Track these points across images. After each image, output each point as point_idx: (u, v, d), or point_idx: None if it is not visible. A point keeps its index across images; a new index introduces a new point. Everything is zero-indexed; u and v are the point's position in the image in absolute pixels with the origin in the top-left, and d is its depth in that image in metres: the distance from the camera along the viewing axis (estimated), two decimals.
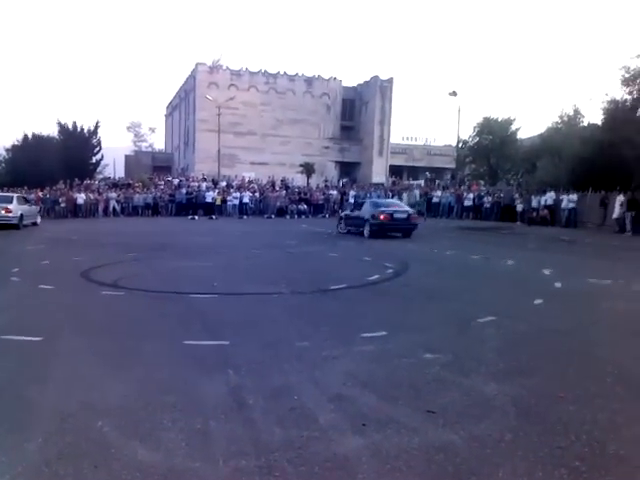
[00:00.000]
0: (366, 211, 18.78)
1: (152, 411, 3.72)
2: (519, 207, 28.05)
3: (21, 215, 21.88)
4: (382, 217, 17.91)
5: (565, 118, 36.76)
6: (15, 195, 23.37)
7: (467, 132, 49.52)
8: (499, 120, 41.62)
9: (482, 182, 40.01)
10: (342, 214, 21.87)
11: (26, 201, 24.31)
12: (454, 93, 37.42)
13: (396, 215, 18.22)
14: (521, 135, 42.39)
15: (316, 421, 3.56)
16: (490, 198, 30.90)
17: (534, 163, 33.96)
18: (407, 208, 20.28)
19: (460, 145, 41.53)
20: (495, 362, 4.83)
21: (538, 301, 7.59)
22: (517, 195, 29.45)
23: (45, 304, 7.57)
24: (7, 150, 42.80)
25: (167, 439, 3.30)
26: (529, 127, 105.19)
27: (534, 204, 27.03)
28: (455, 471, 2.94)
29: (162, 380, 4.36)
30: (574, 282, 9.40)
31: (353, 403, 3.88)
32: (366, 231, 18.18)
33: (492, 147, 40.88)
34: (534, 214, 26.73)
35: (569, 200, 25.13)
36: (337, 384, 4.26)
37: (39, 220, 24.91)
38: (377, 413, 3.69)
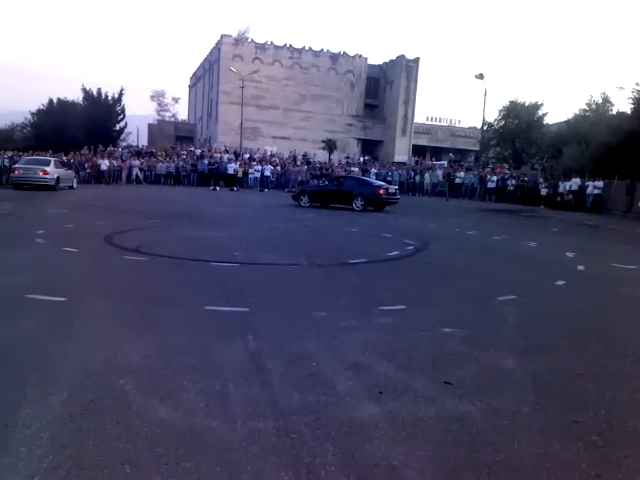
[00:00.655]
0: (354, 187, 20.78)
1: (172, 372, 3.78)
2: (543, 191, 27.75)
3: (58, 178, 23.38)
4: (381, 192, 20.57)
5: (593, 106, 36.10)
6: (53, 159, 24.94)
7: (493, 115, 48.78)
8: (526, 104, 40.98)
9: (506, 165, 39.56)
10: (307, 189, 23.01)
11: (63, 165, 25.74)
12: (481, 76, 36.86)
13: (389, 191, 21.26)
14: (548, 120, 41.71)
15: (333, 387, 3.59)
16: (514, 181, 30.57)
17: (560, 149, 33.44)
18: (391, 186, 23.77)
19: (485, 128, 41.02)
20: (514, 338, 4.82)
21: (560, 282, 7.52)
22: (542, 179, 29.10)
23: (69, 266, 7.69)
24: (32, 114, 43.10)
25: (187, 399, 3.35)
26: (556, 113, 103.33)
27: (560, 189, 26.71)
28: (471, 441, 2.95)
29: (183, 343, 4.42)
30: (597, 266, 9.29)
31: (370, 372, 3.90)
32: (359, 204, 20.00)
33: (518, 131, 40.31)
34: (558, 199, 26.40)
35: (594, 186, 24.79)
36: (355, 353, 4.29)
37: (75, 184, 25.95)
38: (394, 382, 3.72)
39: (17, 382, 3.48)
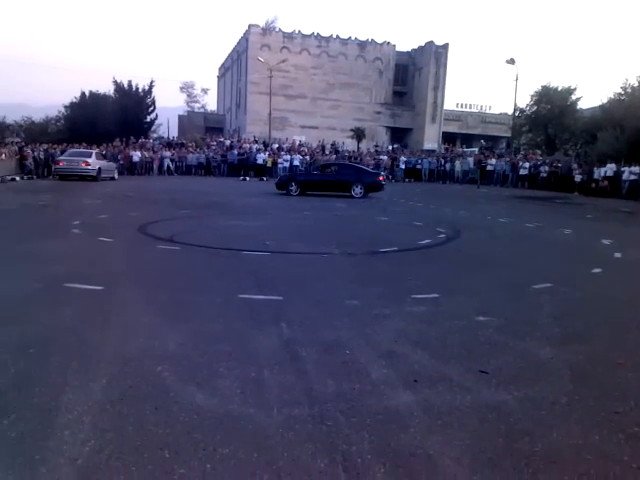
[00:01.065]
0: (352, 175, 21.01)
1: (208, 359, 3.83)
2: (577, 177, 27.19)
3: (99, 169, 24.80)
4: (381, 178, 21.71)
5: (629, 89, 34.97)
6: (94, 151, 26.55)
7: (524, 100, 47.79)
8: (559, 89, 39.98)
9: (539, 152, 38.80)
10: (298, 177, 22.48)
11: (104, 157, 27.42)
12: (512, 61, 36.19)
13: (382, 176, 22.48)
14: (581, 105, 40.65)
15: (368, 375, 3.60)
16: (547, 168, 29.98)
17: (594, 134, 32.60)
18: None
19: (517, 113, 40.26)
20: (550, 327, 4.75)
21: (596, 270, 7.38)
22: (575, 165, 28.50)
23: (105, 256, 7.84)
24: (65, 107, 43.82)
25: (223, 386, 3.40)
26: (590, 97, 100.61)
27: (595, 175, 26.12)
28: (508, 430, 2.93)
29: (218, 331, 4.48)
30: (635, 253, 9.09)
31: (404, 360, 3.89)
32: (359, 192, 20.39)
33: (550, 116, 39.40)
34: (593, 185, 25.84)
35: (631, 172, 24.18)
36: (388, 341, 4.28)
37: (117, 175, 27.29)
38: (428, 371, 3.70)
39: (58, 368, 3.57)
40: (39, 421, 2.88)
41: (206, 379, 3.49)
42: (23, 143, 29.21)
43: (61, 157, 25.47)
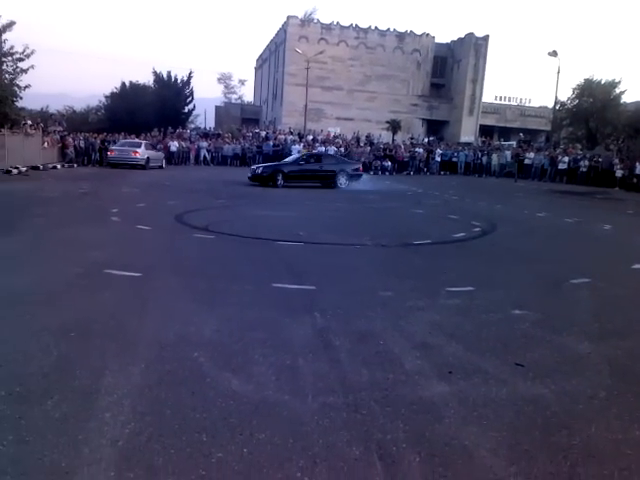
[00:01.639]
0: (335, 165, 21.04)
1: (244, 346, 3.88)
2: (618, 173, 26.46)
3: (147, 158, 26.39)
4: (361, 169, 22.05)
5: None
6: (144, 142, 28.28)
7: (566, 94, 46.69)
8: (602, 82, 38.84)
9: (579, 146, 37.86)
10: (284, 169, 20.30)
11: (153, 147, 28.73)
12: (554, 53, 35.30)
13: (360, 167, 22.61)
14: (625, 99, 39.41)
15: (402, 366, 3.60)
16: (587, 162, 29.24)
17: (638, 128, 31.62)
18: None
19: (557, 107, 39.31)
20: (589, 322, 4.67)
21: (636, 266, 7.20)
22: (617, 160, 27.71)
23: (143, 243, 8.00)
24: (106, 97, 44.60)
25: (258, 372, 3.44)
26: (634, 91, 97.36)
27: (637, 170, 25.38)
28: (545, 423, 2.89)
29: (253, 318, 4.53)
30: None
31: (439, 352, 3.88)
32: (343, 182, 20.38)
33: (592, 110, 38.29)
34: (635, 180, 25.14)
35: None
36: (422, 333, 4.26)
37: (164, 164, 28.71)
38: (463, 362, 3.68)
39: (98, 352, 3.67)
40: (81, 403, 2.96)
41: (241, 365, 3.54)
42: (65, 132, 29.89)
43: (113, 147, 26.99)
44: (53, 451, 2.50)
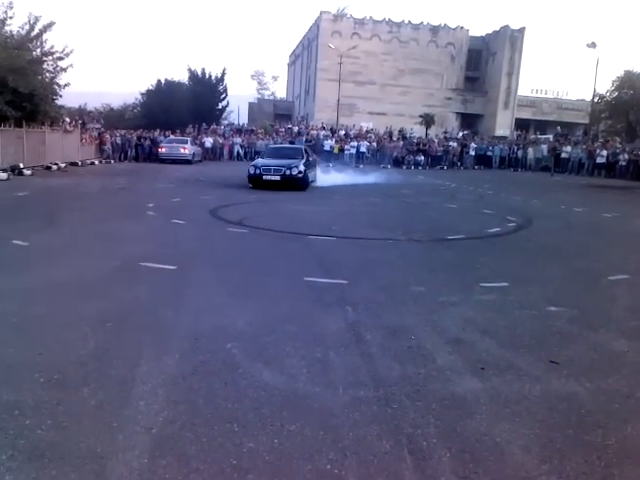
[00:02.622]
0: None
1: (276, 338, 3.92)
2: None
3: (193, 154, 28.39)
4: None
5: None
6: (189, 138, 30.19)
7: (605, 86, 45.43)
8: None
9: (618, 139, 36.86)
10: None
11: (195, 144, 30.18)
12: (593, 44, 34.45)
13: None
14: None
15: (434, 361, 3.57)
16: (626, 156, 28.46)
17: None
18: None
19: (596, 99, 38.34)
20: (626, 319, 4.56)
21: None
22: None
23: (178, 237, 8.13)
24: (142, 94, 45.31)
25: (290, 365, 3.47)
26: None
27: None
28: (579, 422, 2.84)
29: (285, 311, 4.56)
30: None
31: (471, 348, 3.84)
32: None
33: (632, 103, 37.13)
34: None
35: None
36: (455, 329, 4.23)
37: (202, 159, 30.40)
38: (496, 359, 3.63)
39: (134, 342, 3.75)
40: (116, 391, 3.03)
41: (273, 357, 3.57)
42: (102, 129, 30.52)
43: (163, 144, 28.71)
44: (89, 437, 2.57)
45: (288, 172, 15.72)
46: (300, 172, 15.91)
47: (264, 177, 15.67)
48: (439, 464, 2.45)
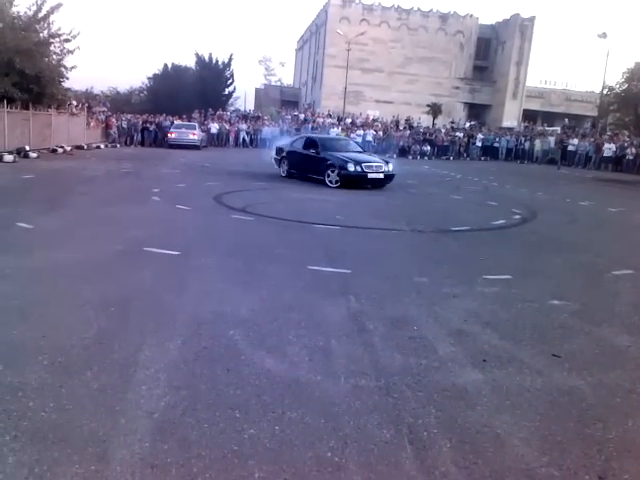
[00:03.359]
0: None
1: (278, 326, 3.93)
2: None
3: (201, 139, 28.61)
4: None
5: None
6: (196, 124, 29.97)
7: (614, 78, 45.12)
8: None
9: (626, 133, 36.60)
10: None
11: (201, 129, 30.20)
12: (604, 35, 34.07)
13: None
14: None
15: (435, 352, 3.58)
16: (634, 150, 28.26)
17: None
18: None
19: (605, 92, 38.02)
20: (629, 315, 4.55)
21: None
22: None
23: (182, 223, 8.14)
24: (149, 78, 45.21)
25: (292, 352, 3.48)
26: None
27: None
28: (580, 415, 2.85)
29: (288, 299, 4.58)
30: None
31: (474, 339, 3.84)
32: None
33: None
34: None
35: None
36: (457, 320, 4.23)
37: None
38: (498, 351, 3.64)
39: (137, 327, 3.77)
40: (119, 375, 3.05)
41: (276, 345, 3.59)
42: (109, 113, 30.46)
43: (172, 129, 28.67)
44: (91, 420, 2.59)
45: (387, 168, 14.32)
46: (392, 168, 14.63)
47: (369, 175, 13.82)
48: (439, 454, 2.46)
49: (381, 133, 34.80)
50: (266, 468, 2.31)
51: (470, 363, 3.42)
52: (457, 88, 52.92)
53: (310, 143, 15.52)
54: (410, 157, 31.45)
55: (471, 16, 52.82)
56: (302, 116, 39.01)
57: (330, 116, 39.03)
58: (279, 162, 16.55)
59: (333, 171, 13.94)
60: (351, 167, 13.75)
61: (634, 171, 27.07)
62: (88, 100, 32.05)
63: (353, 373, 3.22)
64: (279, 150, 16.82)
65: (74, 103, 25.58)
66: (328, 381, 3.12)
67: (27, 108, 19.17)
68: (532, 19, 51.12)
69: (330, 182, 13.92)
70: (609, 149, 29.23)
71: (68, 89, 24.27)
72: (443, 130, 37.22)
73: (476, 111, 53.31)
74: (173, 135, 28.14)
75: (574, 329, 4.15)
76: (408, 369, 3.31)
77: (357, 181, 13.81)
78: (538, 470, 2.38)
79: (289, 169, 15.91)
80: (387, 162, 14.96)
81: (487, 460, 2.43)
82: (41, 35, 20.94)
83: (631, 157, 28.08)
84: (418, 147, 32.72)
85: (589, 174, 25.28)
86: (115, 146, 27.01)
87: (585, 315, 4.49)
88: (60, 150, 20.51)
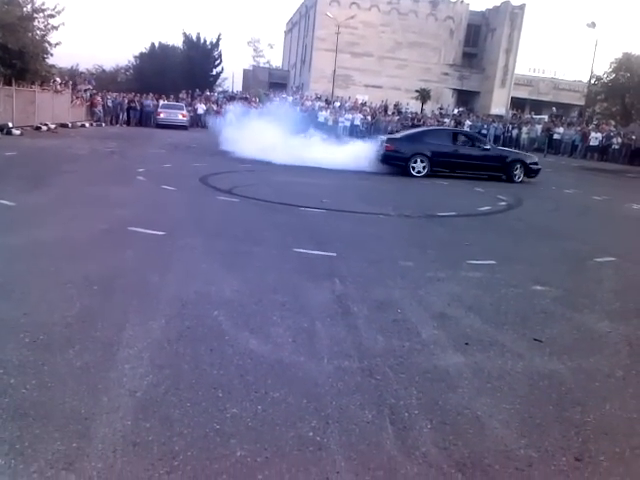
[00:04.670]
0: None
1: (263, 307, 3.93)
2: None
3: (189, 120, 29.08)
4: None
5: None
6: (183, 104, 30.34)
7: (602, 68, 45.31)
8: None
9: (613, 122, 36.83)
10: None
11: (188, 110, 30.55)
12: (593, 24, 34.16)
13: None
14: None
15: (418, 335, 3.61)
16: (620, 139, 28.45)
17: None
18: None
19: (593, 81, 38.18)
20: (611, 301, 4.61)
21: None
22: None
23: (167, 203, 8.08)
24: (135, 57, 44.63)
25: (276, 333, 3.49)
26: None
27: None
28: (559, 399, 2.89)
29: (273, 281, 4.57)
30: None
31: (456, 323, 3.87)
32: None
33: (629, 86, 37.04)
34: None
35: None
36: (441, 304, 4.26)
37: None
38: (481, 335, 3.67)
39: (120, 306, 3.75)
40: (101, 354, 3.04)
41: (260, 326, 3.59)
42: (94, 91, 30.01)
43: (160, 109, 28.73)
44: (73, 398, 2.58)
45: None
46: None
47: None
48: (420, 435, 2.49)
49: (369, 118, 34.68)
50: (247, 447, 2.32)
51: (452, 346, 3.45)
52: (446, 74, 52.82)
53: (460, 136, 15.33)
54: None
55: (462, 2, 52.59)
56: (290, 99, 38.76)
57: (319, 99, 38.80)
58: (402, 159, 14.11)
59: (516, 168, 14.67)
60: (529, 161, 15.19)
61: (619, 161, 27.28)
62: (73, 77, 31.55)
63: (336, 354, 3.23)
64: (399, 143, 14.69)
65: (58, 80, 25.15)
66: (311, 362, 3.13)
67: (10, 84, 18.83)
68: (522, 7, 51.02)
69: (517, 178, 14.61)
70: (595, 138, 29.40)
71: (52, 66, 23.89)
72: (431, 116, 37.20)
73: (465, 98, 53.30)
74: (162, 115, 28.29)
75: (556, 314, 4.20)
76: (391, 351, 3.33)
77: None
78: (517, 452, 2.41)
79: (432, 167, 14.05)
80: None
81: (467, 441, 2.46)
82: (25, 10, 20.55)
83: (617, 147, 28.27)
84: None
85: (575, 163, 25.44)
86: (100, 125, 26.65)
87: (567, 301, 4.54)
88: (44, 128, 20.20)
